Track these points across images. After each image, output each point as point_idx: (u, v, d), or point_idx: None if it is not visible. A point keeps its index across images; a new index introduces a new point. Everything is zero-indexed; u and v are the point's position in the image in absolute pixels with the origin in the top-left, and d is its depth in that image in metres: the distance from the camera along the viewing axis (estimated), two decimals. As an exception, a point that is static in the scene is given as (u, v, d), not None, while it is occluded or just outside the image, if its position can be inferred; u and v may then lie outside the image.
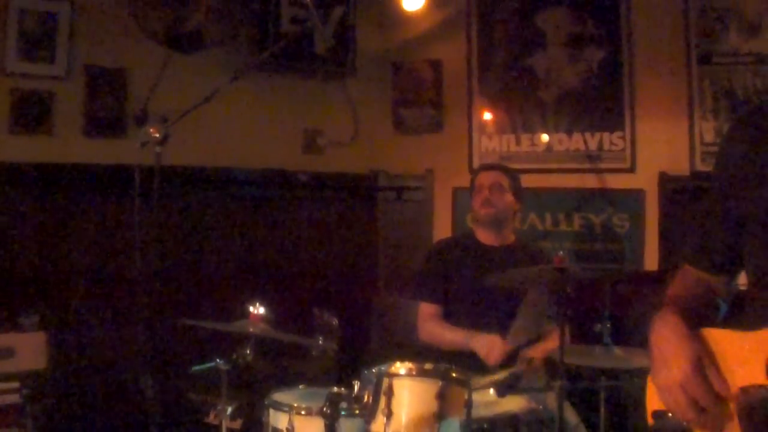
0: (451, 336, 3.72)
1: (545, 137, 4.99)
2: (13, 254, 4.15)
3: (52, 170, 4.24)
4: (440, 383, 2.67)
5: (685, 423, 1.64)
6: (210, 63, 4.60)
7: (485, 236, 3.94)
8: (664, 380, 1.64)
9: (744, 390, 1.56)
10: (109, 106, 4.44)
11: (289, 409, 3.04)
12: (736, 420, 1.58)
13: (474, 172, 4.23)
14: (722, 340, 1.66)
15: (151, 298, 2.81)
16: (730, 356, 1.62)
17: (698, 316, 1.77)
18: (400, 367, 2.72)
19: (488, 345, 3.53)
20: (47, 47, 4.29)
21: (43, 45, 4.28)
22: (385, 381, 2.68)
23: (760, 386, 1.53)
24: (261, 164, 4.87)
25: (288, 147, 5.04)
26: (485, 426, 2.95)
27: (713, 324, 1.75)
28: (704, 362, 1.62)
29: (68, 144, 4.35)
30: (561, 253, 3.08)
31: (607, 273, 3.58)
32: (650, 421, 1.73)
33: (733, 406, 1.59)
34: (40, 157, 4.23)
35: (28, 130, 4.23)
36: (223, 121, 4.59)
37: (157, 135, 2.67)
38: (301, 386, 3.35)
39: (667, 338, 1.67)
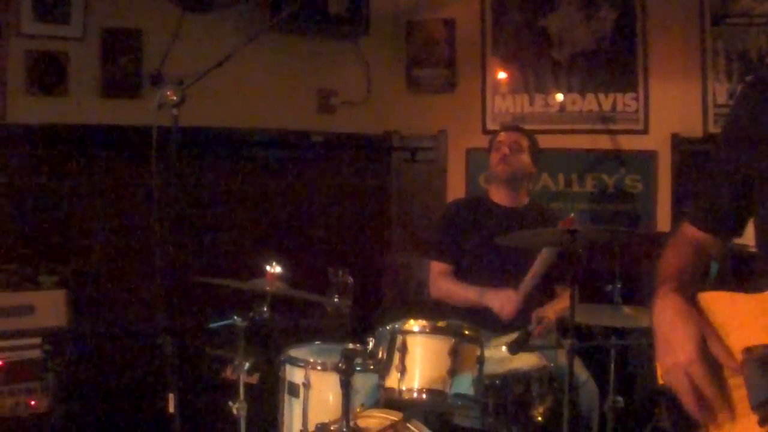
0: (464, 293, 3.77)
1: (560, 96, 4.99)
2: (32, 215, 4.21)
3: (68, 131, 4.28)
4: (453, 340, 2.72)
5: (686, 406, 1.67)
6: (224, 24, 4.62)
7: (499, 196, 3.98)
8: (669, 364, 1.66)
9: (747, 350, 1.59)
10: (124, 67, 4.46)
11: (305, 365, 3.13)
12: (738, 389, 1.62)
13: (493, 133, 4.25)
14: (723, 303, 1.68)
15: (168, 257, 2.86)
16: (732, 319, 1.64)
17: (694, 279, 1.80)
18: (414, 325, 2.77)
19: (502, 299, 3.59)
20: (62, 8, 4.30)
21: (58, 6, 4.29)
22: (399, 338, 2.74)
23: (765, 345, 1.57)
24: (275, 125, 4.88)
25: (302, 108, 5.05)
26: (497, 382, 3.04)
27: (705, 285, 1.78)
28: (708, 339, 1.64)
29: (84, 105, 4.38)
30: (572, 215, 3.12)
31: (617, 234, 3.60)
32: (660, 381, 1.76)
33: (732, 384, 1.62)
34: (57, 118, 4.27)
35: (44, 92, 4.27)
36: (238, 83, 4.60)
37: (174, 98, 2.70)
38: (317, 342, 3.43)
39: (670, 320, 1.68)
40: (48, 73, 4.28)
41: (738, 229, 1.90)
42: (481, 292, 3.69)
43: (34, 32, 4.27)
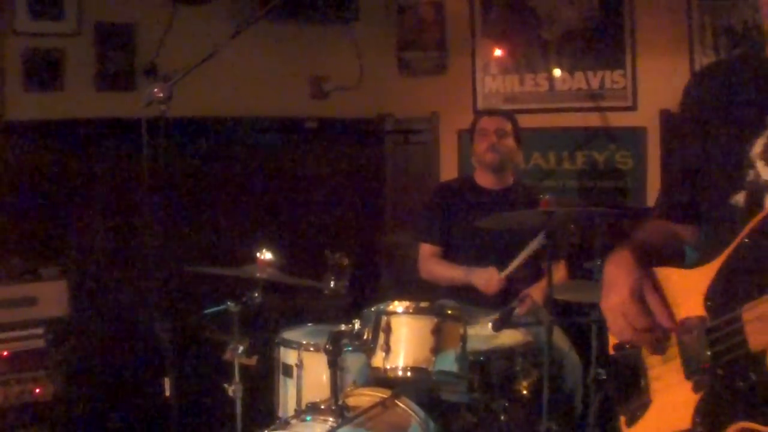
0: (450, 273, 3.88)
1: (557, 72, 5.03)
2: (32, 209, 4.32)
3: (65, 125, 4.38)
4: (435, 319, 2.84)
5: (625, 342, 1.80)
6: (216, 15, 4.69)
7: (485, 179, 4.06)
8: (606, 305, 1.78)
9: (684, 321, 1.70)
10: (118, 61, 4.56)
11: (298, 346, 3.24)
12: (675, 358, 1.72)
13: (475, 117, 4.32)
14: (668, 276, 1.78)
15: (162, 246, 2.96)
16: (675, 292, 1.74)
17: (660, 258, 1.87)
18: (398, 306, 2.88)
19: (486, 277, 3.69)
20: (56, 5, 4.39)
21: (52, 3, 4.38)
22: (384, 319, 2.85)
23: (698, 317, 1.67)
24: (269, 112, 4.97)
25: (295, 94, 5.13)
26: (482, 358, 3.14)
27: (677, 264, 1.88)
28: (647, 293, 1.74)
29: (80, 99, 4.48)
30: (547, 196, 3.20)
31: (593, 213, 3.69)
32: (611, 351, 1.87)
33: (674, 339, 1.73)
34: (54, 113, 4.37)
35: (40, 88, 4.36)
36: (230, 72, 4.67)
37: (161, 94, 2.78)
38: (309, 324, 3.54)
39: (614, 270, 1.80)
40: (44, 70, 4.38)
41: (699, 217, 1.95)
42: (466, 271, 3.80)
43: (29, 30, 4.36)
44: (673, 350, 1.73)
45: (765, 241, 1.57)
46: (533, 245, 3.51)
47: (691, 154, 1.87)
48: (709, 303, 1.65)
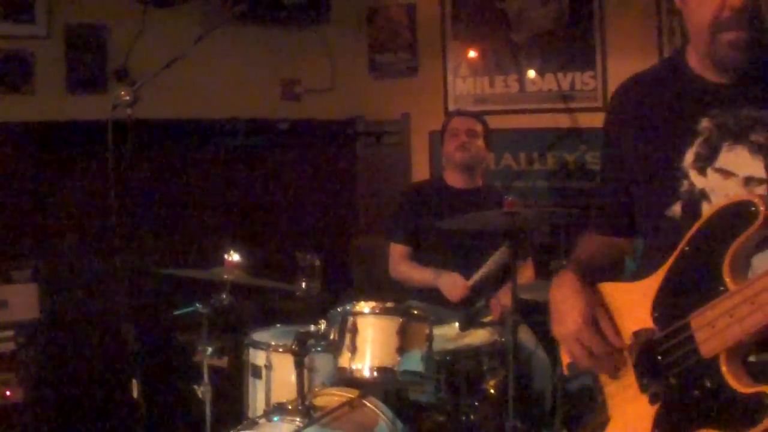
0: (418, 275, 3.92)
1: (532, 73, 5.05)
2: (3, 211, 4.30)
3: (35, 128, 4.37)
4: (401, 320, 2.86)
5: (584, 369, 1.81)
6: (187, 17, 4.70)
7: (454, 179, 4.10)
8: (561, 332, 1.80)
9: (635, 334, 1.72)
10: (89, 63, 4.55)
11: (267, 347, 3.24)
12: (629, 372, 1.74)
13: (446, 117, 4.36)
14: (614, 292, 1.81)
15: (131, 249, 2.97)
16: (622, 306, 1.78)
17: (603, 273, 1.91)
18: (364, 306, 2.91)
19: (450, 283, 3.73)
20: (26, 7, 4.38)
21: (22, 5, 4.37)
22: (350, 319, 2.87)
23: (646, 329, 1.70)
24: (241, 114, 4.97)
25: (267, 96, 5.14)
26: (448, 358, 3.17)
27: (618, 277, 1.91)
28: (599, 315, 1.77)
29: (51, 102, 4.47)
30: (510, 197, 3.24)
31: (556, 214, 3.73)
32: (565, 372, 1.90)
33: (626, 354, 1.75)
34: (24, 115, 4.36)
35: (10, 90, 4.36)
36: (202, 74, 4.69)
37: (128, 98, 2.81)
38: (278, 325, 3.56)
39: (562, 294, 1.82)
40: (14, 72, 4.37)
41: (634, 229, 1.99)
42: (433, 274, 3.83)
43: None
44: (627, 365, 1.75)
45: (704, 247, 1.60)
46: (497, 258, 3.55)
47: (622, 168, 1.89)
48: (656, 314, 1.68)
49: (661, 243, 1.76)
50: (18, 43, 4.40)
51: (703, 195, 1.71)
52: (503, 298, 3.61)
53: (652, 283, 1.69)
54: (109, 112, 2.85)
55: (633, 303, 1.73)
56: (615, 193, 1.96)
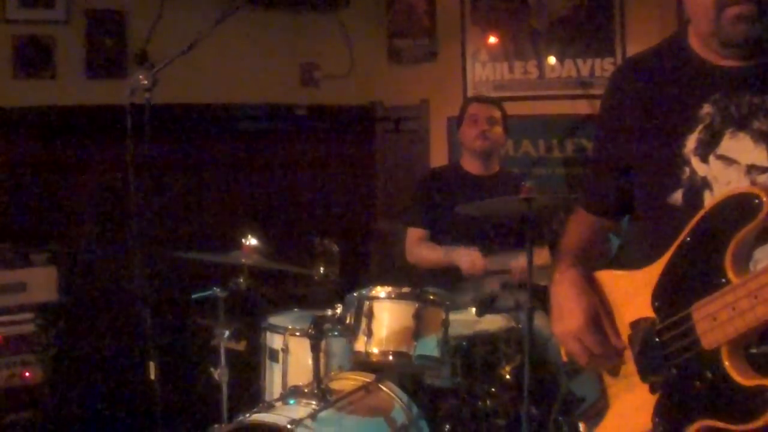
0: (434, 254, 3.91)
1: (552, 59, 5.01)
2: (23, 195, 4.35)
3: (56, 113, 4.40)
4: (417, 305, 2.88)
5: (584, 366, 1.81)
6: (207, 2, 4.71)
7: (471, 165, 4.09)
8: (562, 331, 1.80)
9: (633, 324, 1.72)
10: (109, 48, 4.58)
11: (284, 331, 3.27)
12: (629, 361, 1.74)
13: (464, 103, 4.34)
14: (612, 280, 1.81)
15: (150, 233, 2.99)
16: (621, 295, 1.77)
17: (593, 255, 1.91)
18: (380, 291, 2.92)
19: (469, 257, 3.70)
20: (47, -8, 4.42)
21: (42, -10, 4.41)
22: (366, 304, 2.89)
23: (646, 318, 1.69)
24: (259, 99, 4.99)
25: (285, 81, 5.15)
26: (464, 343, 3.18)
27: (608, 258, 1.90)
28: (600, 313, 1.77)
29: (71, 87, 4.49)
30: (528, 183, 3.23)
31: (573, 200, 3.71)
32: (564, 358, 1.90)
33: (626, 343, 1.74)
34: (44, 100, 4.38)
35: (31, 75, 4.39)
36: (221, 59, 4.71)
37: (146, 82, 2.82)
38: (295, 309, 3.58)
39: (564, 292, 1.81)
40: (35, 57, 4.40)
41: (625, 210, 1.98)
42: (449, 251, 3.81)
43: (20, 17, 4.37)
44: (627, 353, 1.74)
45: (706, 238, 1.58)
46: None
47: (619, 150, 1.86)
48: (656, 304, 1.67)
49: (661, 230, 1.74)
50: (38, 28, 4.42)
51: (705, 183, 1.69)
52: (517, 263, 3.58)
53: (653, 272, 1.68)
54: (127, 96, 2.86)
55: (632, 292, 1.73)
56: (607, 175, 1.94)
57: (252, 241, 3.39)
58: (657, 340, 1.65)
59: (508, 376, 3.25)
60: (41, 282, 3.82)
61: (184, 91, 4.40)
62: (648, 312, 1.68)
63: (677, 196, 1.72)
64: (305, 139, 5.16)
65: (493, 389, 3.26)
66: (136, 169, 2.93)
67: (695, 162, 1.70)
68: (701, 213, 1.61)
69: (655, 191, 1.77)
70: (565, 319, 1.78)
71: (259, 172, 5.02)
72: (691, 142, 1.70)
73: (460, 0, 5.21)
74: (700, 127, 1.70)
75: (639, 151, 1.80)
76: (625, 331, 1.75)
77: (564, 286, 1.82)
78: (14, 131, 4.31)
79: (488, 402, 3.23)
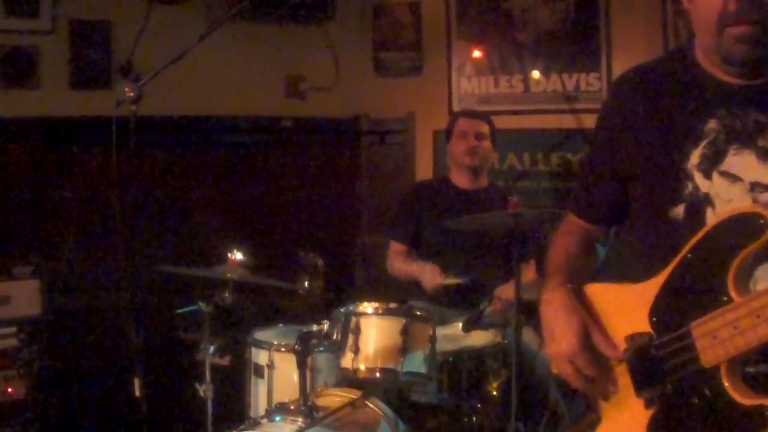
0: (406, 269, 3.96)
1: (536, 74, 5.03)
2: (6, 207, 4.30)
3: (39, 123, 4.36)
4: (404, 320, 2.86)
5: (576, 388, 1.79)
6: (192, 13, 4.70)
7: (460, 180, 4.09)
8: (554, 352, 1.77)
9: (629, 338, 1.70)
10: (94, 58, 4.55)
11: (269, 346, 3.24)
12: (623, 375, 1.72)
13: (452, 117, 4.33)
14: (605, 293, 1.79)
15: (134, 246, 2.96)
16: (615, 308, 1.75)
17: (580, 267, 1.90)
18: (367, 307, 2.91)
19: (428, 274, 3.74)
20: (31, 2, 4.37)
21: (27, 0, 4.36)
22: (353, 319, 2.87)
23: (643, 333, 1.68)
24: (244, 111, 4.98)
25: (270, 93, 5.14)
26: (451, 359, 3.16)
27: (593, 269, 1.89)
28: (591, 330, 1.74)
29: (55, 97, 4.46)
30: (514, 198, 3.23)
31: (560, 215, 3.71)
32: (555, 370, 1.86)
33: (617, 371, 1.72)
34: (28, 111, 4.35)
35: (14, 85, 4.35)
36: (206, 71, 4.68)
37: (131, 94, 2.79)
38: (281, 325, 3.55)
39: (554, 313, 1.79)
40: (18, 67, 4.36)
41: (617, 219, 1.98)
42: (417, 266, 3.86)
43: (3, 27, 4.33)
44: (622, 367, 1.72)
45: (709, 256, 1.58)
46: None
47: (619, 159, 1.85)
48: (654, 319, 1.66)
49: (660, 244, 1.74)
50: (22, 39, 4.39)
51: (707, 199, 1.69)
52: (503, 292, 3.60)
53: (651, 286, 1.67)
54: (113, 108, 2.84)
55: (628, 306, 1.71)
56: (603, 182, 1.93)
57: (237, 255, 3.37)
58: (654, 355, 1.64)
59: (494, 392, 3.24)
60: (24, 295, 3.76)
61: (169, 102, 4.38)
62: (645, 327, 1.67)
63: (678, 211, 1.72)
64: (290, 151, 5.15)
65: (479, 405, 3.24)
66: (121, 181, 2.90)
67: (698, 177, 1.70)
68: (705, 230, 1.60)
69: (655, 204, 1.76)
70: (557, 341, 1.76)
71: (243, 185, 5.00)
72: (694, 156, 1.70)
73: (445, 13, 5.23)
74: (705, 142, 1.69)
75: (641, 162, 1.79)
76: (620, 345, 1.72)
77: (554, 305, 1.80)
78: (-3, 141, 4.28)
79: (475, 418, 3.21)
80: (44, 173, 4.41)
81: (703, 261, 1.59)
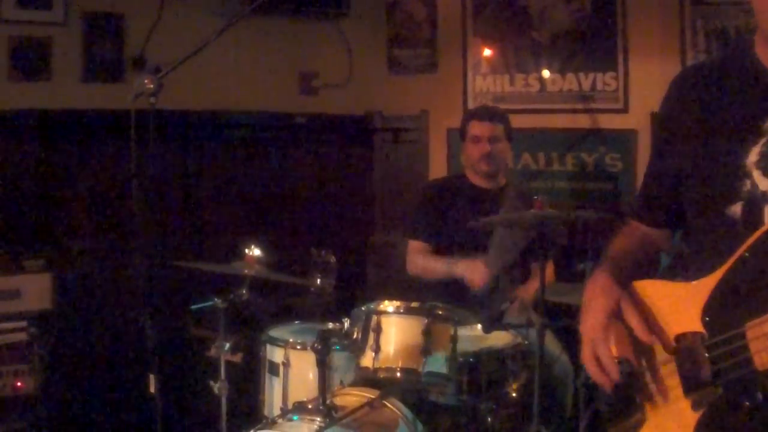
0: (436, 265, 3.85)
1: (546, 73, 4.99)
2: (17, 200, 4.26)
3: (51, 116, 4.32)
4: (426, 320, 2.82)
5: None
6: (206, 7, 4.66)
7: (478, 179, 4.04)
8: (582, 329, 1.74)
9: (679, 337, 1.66)
10: (106, 51, 4.51)
11: (285, 344, 3.20)
12: (672, 375, 1.67)
13: (465, 117, 4.25)
14: (656, 290, 1.74)
15: (149, 241, 2.92)
16: (666, 306, 1.70)
17: (639, 270, 1.84)
18: (388, 305, 2.87)
19: (471, 268, 3.64)
20: (44, -6, 4.34)
21: (40, -8, 4.33)
22: (374, 318, 2.83)
23: (695, 332, 1.63)
24: (258, 107, 4.95)
25: (284, 90, 5.11)
26: (471, 360, 3.11)
27: (652, 274, 1.84)
28: (626, 310, 1.69)
29: (67, 90, 4.42)
30: (540, 197, 3.18)
31: (582, 215, 3.66)
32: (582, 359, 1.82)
33: (665, 371, 1.68)
34: (40, 103, 4.30)
35: (26, 77, 4.30)
36: (220, 66, 4.66)
37: (151, 86, 2.74)
38: (296, 322, 3.51)
39: (591, 294, 1.76)
40: (31, 59, 4.32)
41: (675, 223, 1.94)
42: (451, 263, 3.75)
43: (17, 18, 4.29)
44: (670, 366, 1.68)
45: (766, 256, 1.54)
46: (498, 241, 3.47)
47: (677, 160, 1.82)
48: (707, 318, 1.61)
49: (715, 243, 1.70)
50: (35, 30, 4.34)
51: (765, 198, 1.64)
52: (522, 293, 3.56)
53: (705, 285, 1.63)
54: (128, 100, 2.79)
55: (680, 304, 1.67)
56: (661, 184, 1.90)
57: (255, 251, 3.32)
58: (706, 356, 1.60)
59: (514, 394, 3.18)
60: (35, 289, 3.74)
61: (182, 97, 4.32)
62: (697, 326, 1.62)
63: (736, 209, 1.67)
64: (303, 147, 5.12)
65: (498, 407, 3.18)
66: (138, 175, 2.86)
67: (757, 175, 1.65)
68: (763, 229, 1.56)
69: (712, 202, 1.72)
70: (587, 320, 1.73)
71: (255, 181, 4.97)
72: (753, 154, 1.66)
73: (461, 11, 5.18)
74: (764, 139, 1.65)
75: (698, 160, 1.75)
76: (670, 344, 1.68)
77: (593, 288, 1.78)
78: (9, 134, 4.23)
79: (493, 420, 3.16)
80: (55, 165, 4.37)
81: (760, 260, 1.55)
